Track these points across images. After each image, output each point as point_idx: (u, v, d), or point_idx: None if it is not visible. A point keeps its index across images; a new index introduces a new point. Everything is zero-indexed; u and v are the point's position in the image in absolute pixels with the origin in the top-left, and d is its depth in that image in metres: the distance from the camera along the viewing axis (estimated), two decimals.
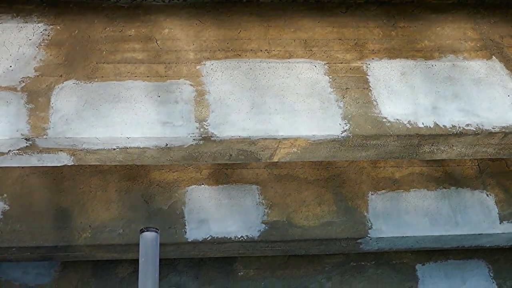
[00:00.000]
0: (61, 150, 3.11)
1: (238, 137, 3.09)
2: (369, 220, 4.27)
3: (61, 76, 3.17)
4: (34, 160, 3.18)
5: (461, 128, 3.23)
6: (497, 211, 4.36)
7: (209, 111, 3.14)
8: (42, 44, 3.28)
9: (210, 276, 4.94)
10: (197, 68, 3.29)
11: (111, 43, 3.33)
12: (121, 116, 3.07)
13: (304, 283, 4.96)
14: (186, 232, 4.13)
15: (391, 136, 3.19)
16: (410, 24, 3.60)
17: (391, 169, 4.47)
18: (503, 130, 3.23)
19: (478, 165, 4.55)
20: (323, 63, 3.39)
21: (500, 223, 4.32)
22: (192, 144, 3.12)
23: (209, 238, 4.12)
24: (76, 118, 3.04)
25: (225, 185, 4.32)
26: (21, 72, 3.16)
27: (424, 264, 5.13)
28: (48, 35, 3.32)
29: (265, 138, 3.12)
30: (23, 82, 3.13)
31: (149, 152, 3.17)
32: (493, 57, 3.51)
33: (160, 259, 4.72)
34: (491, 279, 5.10)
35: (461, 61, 3.47)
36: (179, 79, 3.24)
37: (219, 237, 4.14)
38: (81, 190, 4.18)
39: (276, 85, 3.27)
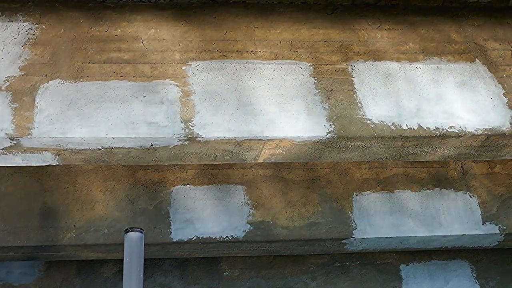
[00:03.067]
0: (45, 150, 3.10)
1: (223, 137, 3.10)
2: (354, 221, 4.29)
3: (46, 75, 3.16)
4: (18, 160, 3.17)
5: (445, 130, 3.26)
6: (480, 212, 4.40)
7: (194, 111, 3.14)
8: (28, 43, 3.27)
9: (195, 276, 4.94)
10: (183, 68, 3.29)
11: (97, 42, 3.32)
12: (107, 116, 3.06)
13: (289, 283, 4.98)
14: (171, 232, 4.13)
15: (375, 137, 3.21)
16: (395, 27, 3.63)
17: (376, 170, 4.50)
18: (486, 132, 3.27)
19: (461, 166, 4.59)
20: (309, 64, 3.40)
21: (483, 224, 4.36)
22: (177, 145, 3.12)
23: (194, 238, 4.13)
24: (61, 118, 3.03)
25: (210, 185, 4.32)
26: (5, 71, 3.15)
27: (408, 265, 5.16)
28: (34, 34, 3.30)
29: (250, 139, 3.13)
30: (8, 81, 3.12)
31: (134, 152, 3.17)
32: (477, 60, 3.55)
33: (145, 259, 4.72)
34: (474, 279, 5.14)
35: (445, 63, 3.50)
36: (164, 79, 3.24)
37: (204, 237, 4.14)
38: (65, 190, 4.17)
39: (261, 86, 3.28)
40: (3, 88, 3.09)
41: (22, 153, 3.10)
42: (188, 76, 3.26)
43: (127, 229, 3.32)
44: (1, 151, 3.07)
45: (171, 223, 4.15)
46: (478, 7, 3.74)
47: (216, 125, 3.11)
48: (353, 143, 3.24)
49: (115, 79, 3.20)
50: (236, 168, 4.39)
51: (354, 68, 3.42)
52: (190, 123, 3.10)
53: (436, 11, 3.69)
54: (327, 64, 3.41)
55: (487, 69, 3.51)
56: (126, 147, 3.11)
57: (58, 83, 3.15)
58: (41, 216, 4.06)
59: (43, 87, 3.12)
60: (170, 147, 3.14)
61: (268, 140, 3.14)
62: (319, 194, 4.36)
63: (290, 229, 4.23)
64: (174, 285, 4.90)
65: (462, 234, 4.34)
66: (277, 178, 4.39)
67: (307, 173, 4.43)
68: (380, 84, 3.37)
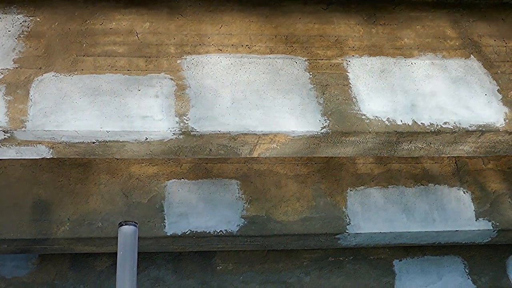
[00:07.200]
0: (40, 143, 3.09)
1: (218, 132, 3.10)
2: (348, 216, 4.30)
3: (40, 68, 3.15)
4: (12, 153, 3.16)
5: (439, 126, 3.26)
6: (473, 208, 4.42)
7: (189, 105, 3.14)
8: (22, 36, 3.26)
9: (189, 270, 4.95)
10: (178, 62, 3.29)
11: (92, 36, 3.31)
12: (101, 109, 3.06)
13: (282, 277, 4.99)
14: (165, 226, 4.13)
15: (370, 133, 3.21)
16: (391, 22, 3.63)
17: (370, 166, 4.50)
18: (480, 128, 3.28)
19: (455, 162, 4.60)
20: (304, 59, 3.40)
21: (476, 220, 4.38)
22: (172, 139, 3.12)
23: (188, 232, 4.13)
24: (55, 111, 3.02)
25: (205, 180, 4.32)
26: None
27: (401, 260, 5.18)
28: (28, 27, 3.29)
29: (245, 134, 3.13)
30: (2, 74, 3.11)
31: (129, 146, 3.17)
32: (472, 56, 3.55)
33: (139, 252, 4.71)
34: (467, 275, 5.16)
35: (440, 59, 3.51)
36: (159, 73, 3.23)
37: (198, 231, 4.15)
38: (60, 183, 4.16)
39: (256, 80, 3.28)
40: None
41: (16, 146, 3.10)
42: (183, 70, 3.26)
43: (121, 222, 3.31)
44: None
45: (165, 217, 4.15)
46: (473, 3, 3.74)
47: (211, 119, 3.10)
48: (347, 138, 3.25)
49: (110, 73, 3.19)
50: (231, 162, 4.39)
51: (349, 63, 3.42)
52: (185, 117, 3.10)
53: (431, 6, 3.69)
54: (322, 59, 3.41)
55: (482, 65, 3.52)
56: (121, 140, 3.10)
57: (52, 76, 3.14)
58: (35, 209, 4.06)
59: (37, 80, 3.11)
60: (165, 141, 3.14)
61: (263, 134, 3.14)
62: (313, 189, 4.37)
63: (284, 223, 4.23)
64: (168, 279, 4.90)
65: (455, 230, 4.35)
66: (272, 172, 4.39)
67: (301, 168, 4.44)
68: (375, 79, 3.38)
